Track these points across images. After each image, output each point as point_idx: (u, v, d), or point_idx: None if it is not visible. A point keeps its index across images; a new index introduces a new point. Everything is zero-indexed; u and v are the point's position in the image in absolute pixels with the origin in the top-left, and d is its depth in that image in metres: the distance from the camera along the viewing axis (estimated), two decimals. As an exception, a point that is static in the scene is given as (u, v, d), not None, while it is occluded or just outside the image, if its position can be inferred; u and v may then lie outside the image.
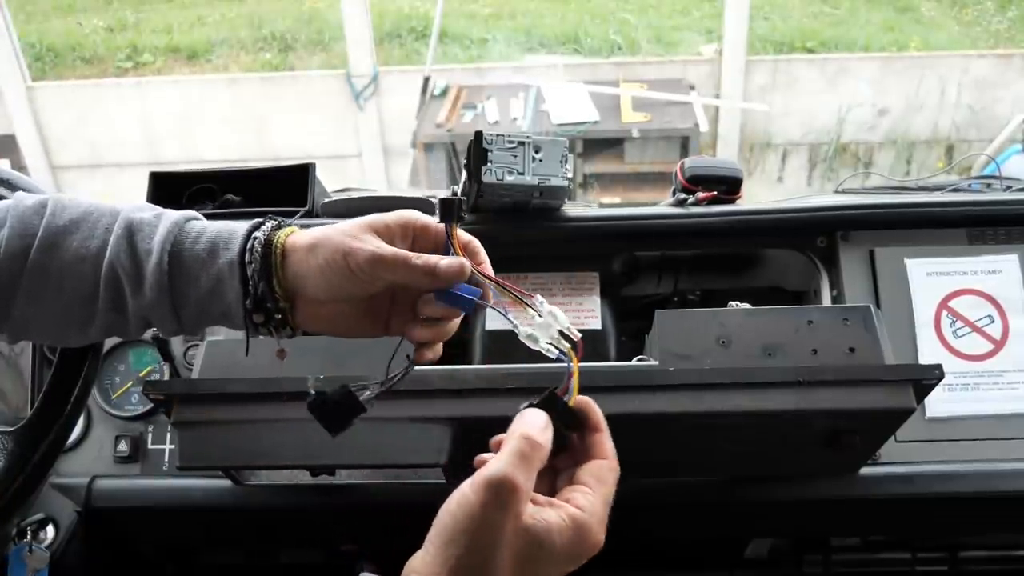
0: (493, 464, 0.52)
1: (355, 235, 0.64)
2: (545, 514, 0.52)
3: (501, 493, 0.51)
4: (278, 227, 0.67)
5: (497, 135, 1.00)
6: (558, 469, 0.60)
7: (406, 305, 0.68)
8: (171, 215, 0.69)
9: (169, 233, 0.66)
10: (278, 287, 0.65)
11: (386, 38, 5.74)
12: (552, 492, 0.57)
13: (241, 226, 0.67)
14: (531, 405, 0.58)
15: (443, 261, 0.63)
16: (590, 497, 0.55)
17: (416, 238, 0.66)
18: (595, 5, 5.96)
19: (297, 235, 0.66)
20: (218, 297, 0.66)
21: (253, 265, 0.65)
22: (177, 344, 1.11)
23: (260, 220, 0.67)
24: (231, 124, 5.28)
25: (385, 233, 0.65)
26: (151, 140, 5.30)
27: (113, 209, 0.69)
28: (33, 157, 5.29)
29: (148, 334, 1.04)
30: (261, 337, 0.69)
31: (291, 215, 0.70)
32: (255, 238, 0.66)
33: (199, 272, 0.66)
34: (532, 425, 0.55)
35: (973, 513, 1.07)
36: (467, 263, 0.64)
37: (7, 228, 0.67)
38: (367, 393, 0.65)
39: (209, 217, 0.71)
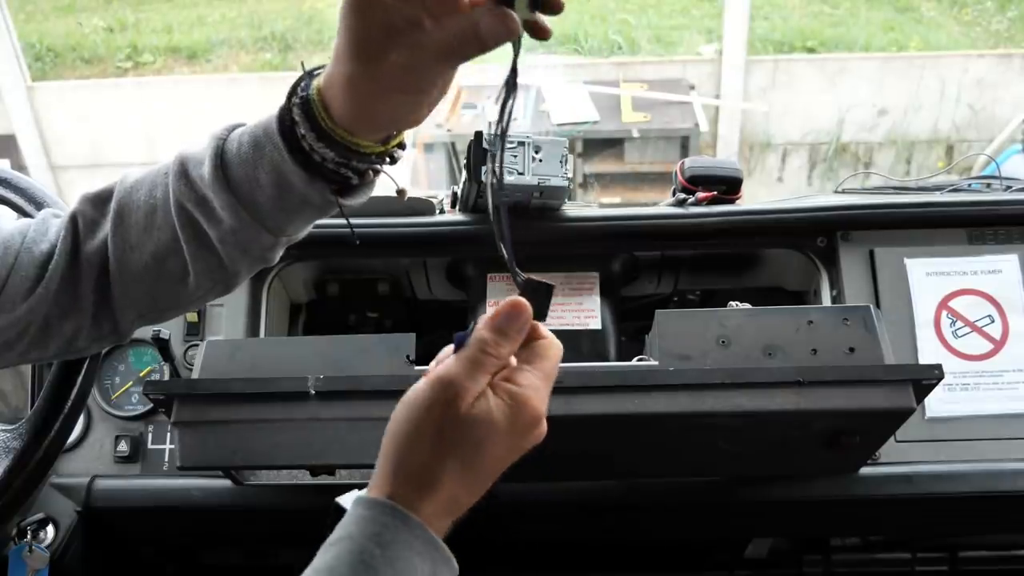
0: (448, 365, 0.55)
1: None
2: (485, 401, 0.55)
3: (448, 392, 0.54)
4: (307, 86, 0.61)
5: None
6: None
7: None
8: (212, 133, 0.67)
9: (215, 151, 0.65)
10: (332, 128, 0.60)
11: (386, 38, 5.73)
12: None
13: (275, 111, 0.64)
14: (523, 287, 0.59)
15: None
16: (529, 374, 0.57)
17: None
18: (595, 5, 5.96)
19: (323, 81, 0.60)
20: (286, 189, 0.63)
21: (305, 135, 0.60)
22: (177, 344, 1.11)
23: (290, 91, 0.62)
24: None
25: None
26: (151, 140, 5.29)
27: (172, 158, 0.69)
28: (33, 157, 5.29)
29: (149, 334, 1.04)
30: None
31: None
32: (292, 108, 0.61)
33: (255, 173, 0.63)
34: (492, 335, 0.56)
35: (973, 513, 1.07)
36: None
37: (79, 213, 0.69)
38: None
39: None
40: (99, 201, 0.70)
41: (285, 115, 0.62)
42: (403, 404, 0.56)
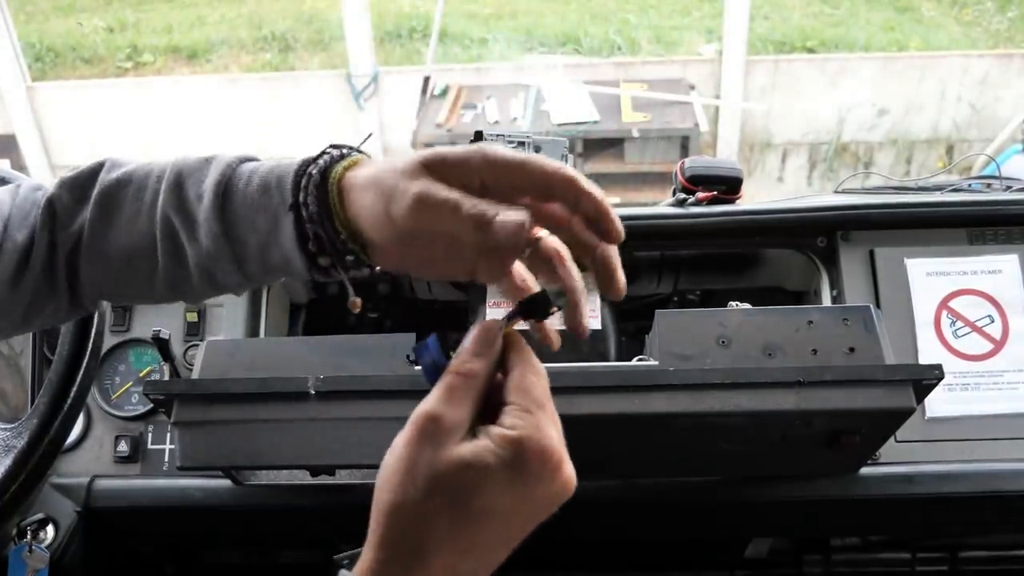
0: (423, 401, 0.51)
1: (405, 173, 0.53)
2: (473, 442, 0.49)
3: (425, 428, 0.49)
4: (340, 158, 0.59)
5: (497, 135, 1.00)
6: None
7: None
8: (223, 158, 0.64)
9: (222, 176, 0.62)
10: (341, 227, 0.57)
11: (386, 38, 5.74)
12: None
13: (295, 161, 0.60)
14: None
15: (501, 215, 0.50)
16: (514, 410, 0.51)
17: (487, 177, 0.54)
18: (595, 5, 5.97)
19: (358, 170, 0.58)
20: (276, 244, 0.60)
21: (308, 205, 0.58)
22: (177, 344, 1.11)
23: (321, 152, 0.60)
24: (231, 124, 5.28)
25: (441, 169, 0.53)
26: (151, 140, 5.30)
27: (167, 161, 0.67)
28: (33, 157, 5.29)
29: (149, 334, 1.04)
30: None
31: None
32: (309, 174, 0.58)
33: (255, 216, 0.60)
34: (461, 356, 0.52)
35: (973, 513, 1.07)
36: (526, 221, 0.50)
37: (55, 199, 0.68)
38: None
39: None
40: (77, 187, 0.68)
41: (301, 171, 0.59)
42: (389, 451, 0.50)
